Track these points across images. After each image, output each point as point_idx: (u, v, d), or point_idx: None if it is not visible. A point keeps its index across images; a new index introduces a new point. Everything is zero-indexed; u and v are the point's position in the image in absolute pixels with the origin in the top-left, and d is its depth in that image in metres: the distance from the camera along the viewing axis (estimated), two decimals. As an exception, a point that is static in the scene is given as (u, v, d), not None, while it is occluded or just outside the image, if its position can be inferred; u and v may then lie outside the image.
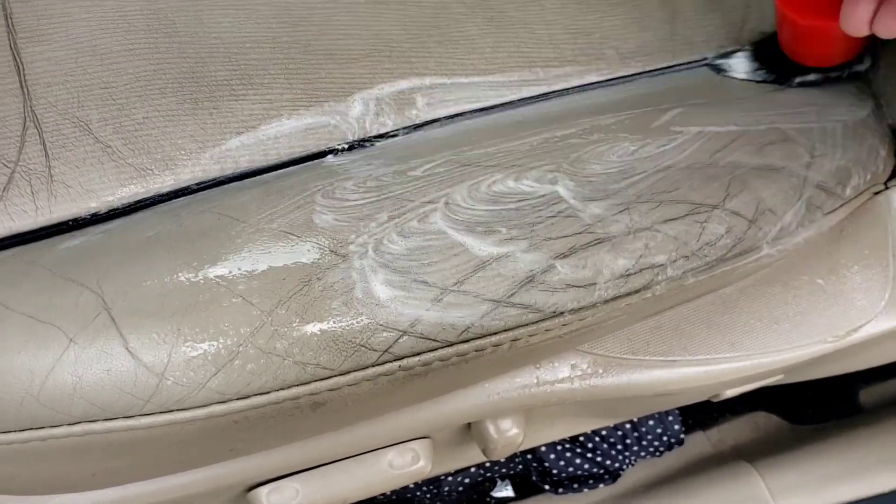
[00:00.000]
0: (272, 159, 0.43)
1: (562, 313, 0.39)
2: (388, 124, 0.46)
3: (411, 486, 0.71)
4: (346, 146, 0.44)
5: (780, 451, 0.70)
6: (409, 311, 0.36)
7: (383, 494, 0.71)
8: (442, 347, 0.37)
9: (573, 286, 0.39)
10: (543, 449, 0.69)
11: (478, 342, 0.38)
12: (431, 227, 0.38)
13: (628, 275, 0.40)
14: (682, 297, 0.46)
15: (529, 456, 0.70)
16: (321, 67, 0.46)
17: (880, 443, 0.68)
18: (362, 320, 0.35)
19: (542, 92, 0.50)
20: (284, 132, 0.44)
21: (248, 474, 0.48)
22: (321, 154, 0.44)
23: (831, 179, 0.47)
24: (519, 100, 0.49)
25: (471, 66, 0.49)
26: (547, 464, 0.69)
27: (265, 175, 0.43)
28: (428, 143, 0.44)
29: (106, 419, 0.34)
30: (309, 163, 0.43)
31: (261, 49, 0.45)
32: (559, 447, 0.70)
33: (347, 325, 0.35)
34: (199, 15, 0.45)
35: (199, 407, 0.34)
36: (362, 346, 0.35)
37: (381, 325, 0.35)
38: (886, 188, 0.52)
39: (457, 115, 0.48)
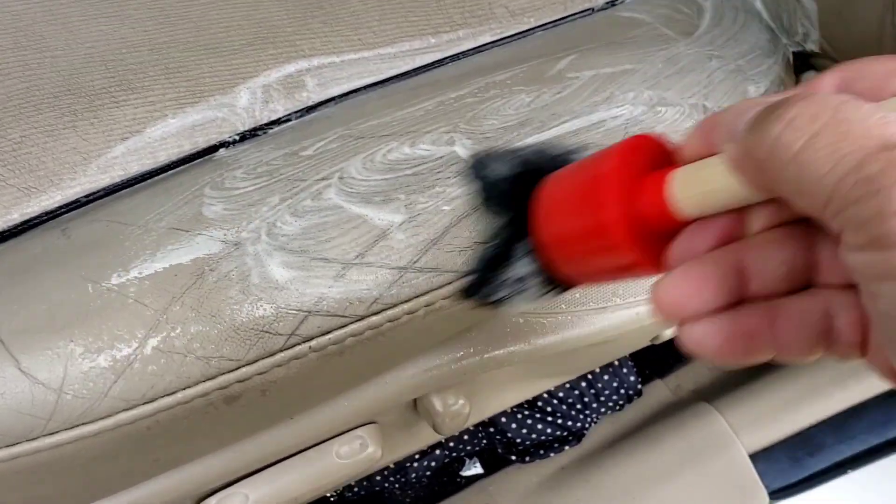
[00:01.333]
0: (162, 160, 0.42)
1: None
2: (279, 110, 0.45)
3: (378, 478, 0.70)
4: (237, 138, 0.43)
5: (737, 388, 0.70)
6: (312, 290, 0.35)
7: (353, 490, 0.70)
8: (352, 322, 0.36)
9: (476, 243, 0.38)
10: (504, 420, 0.69)
11: (389, 312, 0.37)
12: (326, 204, 0.37)
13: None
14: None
15: (491, 429, 0.70)
16: (203, 63, 0.45)
17: (831, 363, 0.68)
18: (262, 306, 0.34)
19: (435, 59, 0.49)
20: (171, 132, 0.42)
21: (193, 486, 0.46)
22: (212, 149, 0.43)
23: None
24: (413, 69, 0.49)
25: (359, 42, 0.48)
26: (510, 434, 0.69)
27: (157, 177, 0.41)
28: (321, 122, 0.44)
29: (9, 445, 0.33)
30: (200, 159, 0.42)
31: (138, 52, 0.44)
32: (519, 416, 0.69)
33: (248, 313, 0.34)
34: (69, 26, 0.44)
35: (105, 417, 0.33)
36: (265, 331, 0.34)
37: (283, 308, 0.35)
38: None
39: (350, 92, 0.47)
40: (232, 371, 0.34)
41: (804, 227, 0.24)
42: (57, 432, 0.33)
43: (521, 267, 0.33)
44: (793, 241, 0.24)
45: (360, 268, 0.36)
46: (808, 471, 0.66)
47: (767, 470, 0.66)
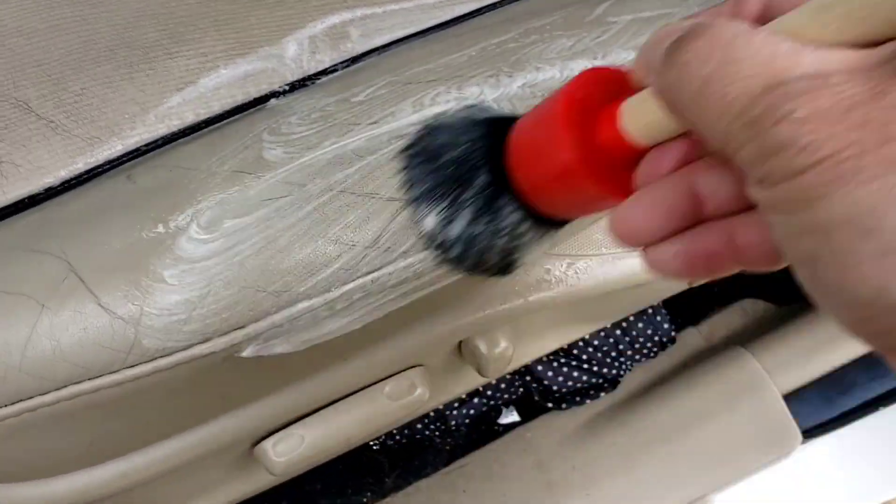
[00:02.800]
0: (216, 110, 0.43)
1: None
2: (326, 61, 0.46)
3: (419, 426, 0.72)
4: (287, 87, 0.44)
5: (770, 331, 0.72)
6: (372, 224, 0.36)
7: (395, 438, 0.72)
8: (408, 257, 0.37)
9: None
10: (540, 368, 0.70)
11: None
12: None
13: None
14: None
15: (528, 377, 0.72)
16: (250, 14, 0.46)
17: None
18: (328, 245, 0.36)
19: (475, 7, 0.50)
20: (224, 82, 0.44)
21: (250, 428, 0.48)
22: (264, 98, 0.44)
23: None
24: (453, 18, 0.49)
25: (400, -7, 0.49)
26: (546, 382, 0.70)
27: (212, 126, 0.43)
28: (368, 70, 0.45)
29: (91, 378, 0.35)
30: (253, 108, 0.44)
31: (187, 5, 0.45)
32: (555, 363, 0.71)
33: (312, 249, 0.35)
34: (120, -19, 0.45)
35: (181, 350, 0.35)
36: (326, 266, 0.36)
37: (346, 244, 0.36)
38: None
39: (393, 42, 0.48)
40: (301, 302, 0.36)
41: None
42: (136, 365, 0.35)
43: (509, 218, 0.34)
44: None
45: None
46: (841, 409, 0.67)
47: (800, 410, 0.67)
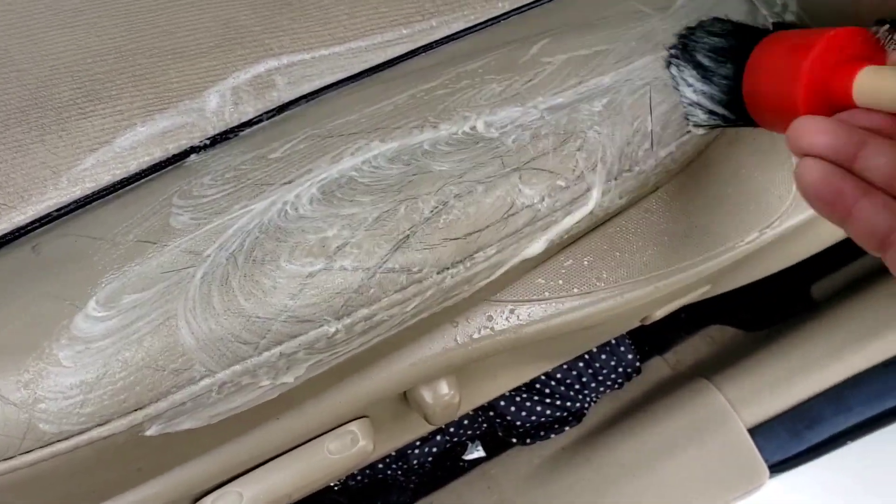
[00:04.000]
0: (133, 169, 0.42)
1: (441, 270, 0.38)
2: (250, 111, 0.45)
3: (380, 465, 0.71)
4: (208, 142, 0.43)
5: (735, 363, 0.70)
6: (276, 299, 0.35)
7: (356, 479, 0.71)
8: (320, 326, 0.36)
9: (449, 239, 0.38)
10: (503, 403, 0.69)
11: (362, 311, 0.37)
12: (296, 211, 0.37)
13: (507, 217, 0.39)
14: (581, 228, 0.46)
15: (491, 413, 0.70)
16: (170, 68, 0.44)
17: (829, 334, 0.68)
18: (228, 317, 0.34)
19: (408, 50, 0.49)
20: (141, 140, 0.42)
21: (187, 487, 0.47)
22: (184, 154, 0.43)
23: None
24: (385, 62, 0.48)
25: (329, 37, 0.47)
26: (509, 417, 0.69)
27: (128, 187, 0.41)
28: (291, 121, 0.43)
29: (-13, 464, 0.33)
30: (171, 166, 0.42)
31: (104, 61, 0.44)
32: (517, 398, 0.69)
33: (216, 324, 0.34)
34: (33, 38, 0.44)
35: (78, 434, 0.33)
36: (235, 341, 0.34)
37: (252, 317, 0.35)
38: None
39: (322, 88, 0.46)
40: (204, 379, 0.34)
41: None
42: (32, 451, 0.33)
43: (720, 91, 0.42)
44: None
45: (329, 272, 0.36)
46: (807, 443, 0.66)
47: (766, 444, 0.66)
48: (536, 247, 0.42)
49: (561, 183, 0.40)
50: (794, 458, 0.66)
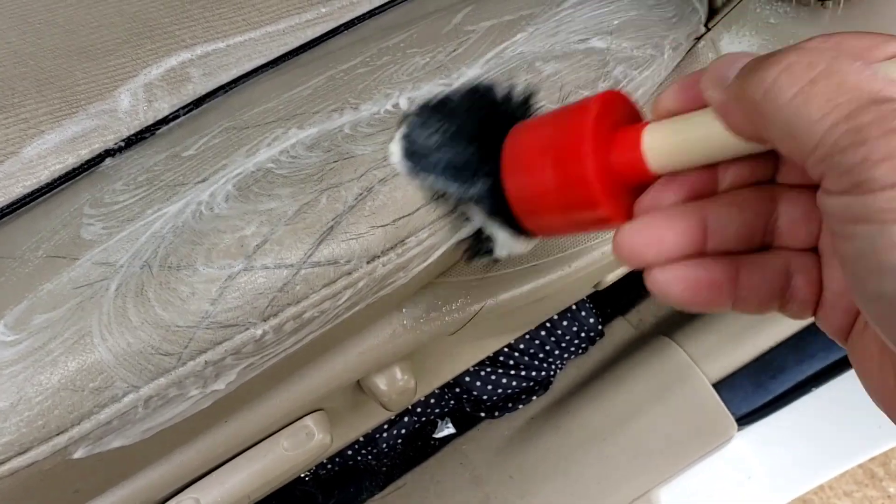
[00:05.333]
0: (45, 179, 0.40)
1: (372, 259, 0.37)
2: (165, 108, 0.43)
3: (349, 452, 0.70)
4: (122, 143, 0.41)
5: (694, 319, 0.70)
6: (195, 306, 0.34)
7: (326, 468, 0.70)
8: (245, 330, 0.35)
9: (376, 227, 0.37)
10: (468, 379, 0.68)
11: (290, 310, 0.36)
12: (211, 211, 0.36)
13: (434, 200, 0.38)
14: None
15: (457, 389, 0.69)
16: (76, 69, 0.42)
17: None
18: (146, 329, 0.33)
19: (329, 29, 0.47)
20: (50, 148, 0.40)
21: (141, 497, 0.46)
22: (98, 159, 0.41)
23: (641, 44, 0.44)
24: (305, 44, 0.46)
25: (243, 22, 0.45)
26: (475, 392, 0.68)
27: (40, 198, 0.40)
28: (208, 115, 0.42)
29: None
30: (85, 172, 0.40)
31: (2, 67, 0.42)
32: (482, 373, 0.68)
33: (134, 338, 0.33)
34: (-74, 48, 0.41)
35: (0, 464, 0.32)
36: (156, 354, 0.33)
37: (170, 327, 0.33)
38: (708, 30, 0.49)
39: (240, 77, 0.44)
40: (127, 395, 0.33)
41: (767, 192, 0.26)
42: (-47, 485, 0.32)
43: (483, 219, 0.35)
44: (755, 203, 0.26)
45: (250, 272, 0.35)
46: (772, 393, 0.66)
47: (732, 397, 0.66)
48: (472, 226, 0.41)
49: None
50: (760, 409, 0.66)
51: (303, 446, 0.49)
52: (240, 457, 0.48)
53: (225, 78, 0.44)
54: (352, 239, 0.36)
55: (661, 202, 0.27)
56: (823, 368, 0.65)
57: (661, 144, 0.26)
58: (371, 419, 0.57)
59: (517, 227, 0.33)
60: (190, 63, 0.44)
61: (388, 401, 0.51)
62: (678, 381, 0.65)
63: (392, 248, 0.38)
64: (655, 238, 0.26)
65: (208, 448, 0.45)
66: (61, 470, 0.34)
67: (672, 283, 0.26)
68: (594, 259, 0.48)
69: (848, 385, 0.64)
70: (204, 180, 0.37)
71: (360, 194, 0.37)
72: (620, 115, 0.29)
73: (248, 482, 0.49)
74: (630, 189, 0.28)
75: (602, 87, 0.42)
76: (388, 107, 0.40)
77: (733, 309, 0.26)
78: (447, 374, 0.58)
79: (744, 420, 0.66)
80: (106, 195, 0.37)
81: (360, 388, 0.53)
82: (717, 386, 0.65)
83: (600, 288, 0.55)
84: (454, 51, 0.43)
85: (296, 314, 0.36)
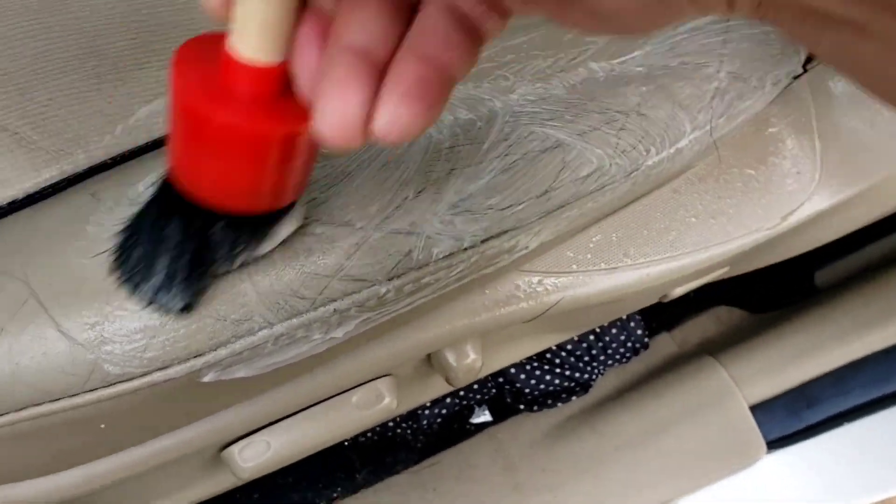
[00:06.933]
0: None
1: (487, 239, 0.40)
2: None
3: (390, 424, 0.73)
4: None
5: (740, 342, 0.72)
6: (333, 258, 0.36)
7: (366, 435, 0.73)
8: (373, 286, 0.38)
9: (495, 209, 0.39)
10: (513, 370, 0.71)
11: (413, 274, 0.38)
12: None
13: (549, 191, 0.41)
14: (611, 206, 0.47)
15: (501, 379, 0.72)
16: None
17: (834, 320, 0.70)
18: (288, 272, 0.36)
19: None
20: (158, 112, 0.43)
21: (218, 434, 0.49)
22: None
23: (747, 73, 0.47)
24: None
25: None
26: (518, 384, 0.71)
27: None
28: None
29: (51, 401, 0.35)
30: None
31: (159, 14, 0.44)
32: (528, 367, 0.71)
33: (278, 279, 0.35)
34: (90, -14, 0.44)
35: (140, 376, 0.35)
36: (293, 295, 0.36)
37: (309, 273, 0.36)
38: (805, 71, 0.52)
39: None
40: (262, 330, 0.36)
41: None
42: (95, 390, 0.35)
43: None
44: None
45: (382, 234, 0.37)
46: (806, 422, 0.68)
47: (766, 421, 0.68)
48: (568, 222, 0.44)
49: (605, 159, 0.42)
50: (791, 435, 0.68)
51: (371, 407, 0.52)
52: (313, 408, 0.51)
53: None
54: (476, 216, 0.39)
55: (318, 59, 0.24)
56: (859, 405, 0.67)
57: (250, 33, 0.24)
58: (431, 391, 0.60)
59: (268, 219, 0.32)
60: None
61: (455, 376, 0.54)
62: (717, 400, 0.68)
63: (505, 231, 0.40)
64: (352, 97, 0.23)
65: (290, 395, 0.48)
66: (184, 391, 0.37)
67: (400, 114, 0.23)
68: (672, 269, 0.51)
69: (881, 423, 0.66)
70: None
71: (492, 175, 0.39)
72: (208, 59, 0.26)
73: (315, 433, 0.51)
74: (276, 95, 0.25)
75: (712, 106, 0.45)
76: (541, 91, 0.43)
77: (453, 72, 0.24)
78: (506, 361, 0.61)
79: (774, 444, 0.69)
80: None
81: (428, 361, 0.56)
82: (753, 409, 0.68)
83: (665, 300, 0.57)
84: (573, 59, 0.45)
85: (416, 278, 0.39)
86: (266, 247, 0.34)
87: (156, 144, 0.42)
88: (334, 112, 0.23)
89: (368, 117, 0.23)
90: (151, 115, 0.42)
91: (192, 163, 0.28)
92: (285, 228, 0.34)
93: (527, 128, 0.41)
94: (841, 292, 0.72)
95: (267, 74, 0.24)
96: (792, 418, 0.68)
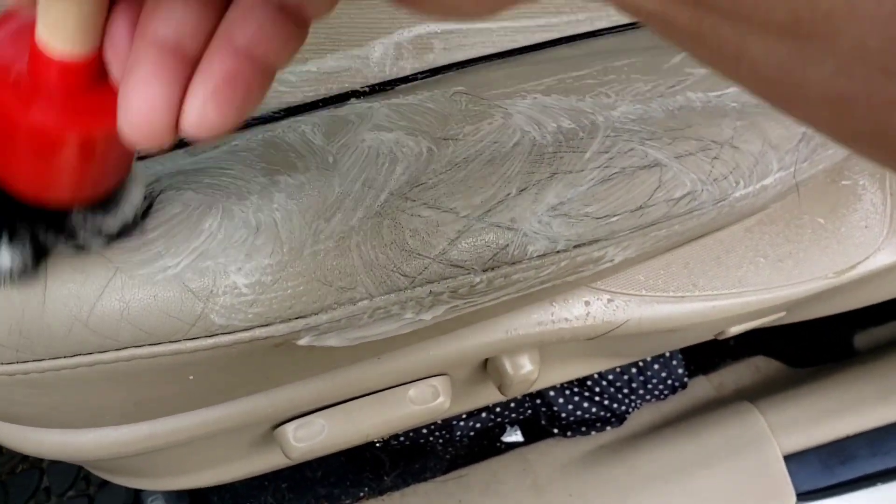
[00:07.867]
0: (298, 100, 0.44)
1: (579, 245, 0.41)
2: (407, 69, 0.47)
3: (424, 431, 0.73)
4: (367, 89, 0.46)
5: (779, 391, 0.73)
6: (437, 241, 0.38)
7: (398, 439, 0.73)
8: (469, 274, 0.39)
9: (591, 217, 0.41)
10: (552, 394, 0.71)
11: (506, 268, 0.40)
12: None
13: (643, 207, 0.42)
14: (693, 233, 0.48)
15: (539, 401, 0.73)
16: (343, 13, 0.47)
17: (875, 380, 0.71)
18: (393, 249, 0.37)
19: (552, 38, 0.51)
20: (307, 77, 0.45)
21: (274, 411, 0.49)
22: (345, 97, 0.45)
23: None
24: (531, 45, 0.51)
25: (485, 13, 0.50)
26: (556, 408, 0.71)
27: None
28: (442, 85, 0.46)
29: (152, 344, 0.36)
30: (333, 105, 0.45)
31: None
32: (567, 392, 0.72)
33: (382, 254, 0.37)
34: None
35: (242, 331, 0.36)
36: (395, 272, 0.37)
37: (413, 252, 0.37)
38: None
39: (472, 59, 0.49)
40: (362, 301, 0.37)
41: None
42: (197, 338, 0.36)
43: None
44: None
45: (483, 225, 0.39)
46: (838, 478, 0.69)
47: (799, 472, 0.69)
48: (654, 241, 0.45)
49: (698, 184, 0.43)
50: (822, 490, 0.69)
51: (426, 402, 0.53)
52: (370, 396, 0.52)
53: (461, 56, 0.49)
54: (569, 222, 0.40)
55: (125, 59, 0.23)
56: (894, 467, 0.68)
57: (53, 32, 0.22)
58: (481, 398, 0.60)
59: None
60: (435, 35, 0.48)
61: (508, 384, 0.55)
62: (752, 445, 0.69)
63: (597, 240, 0.42)
64: (154, 92, 0.22)
65: (352, 379, 0.49)
66: (276, 352, 0.38)
67: (207, 111, 0.22)
68: (736, 305, 0.52)
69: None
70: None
71: (592, 183, 0.41)
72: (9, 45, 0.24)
73: (370, 422, 0.52)
74: (90, 87, 0.24)
75: (798, 149, 0.46)
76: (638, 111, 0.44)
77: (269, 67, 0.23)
78: (556, 379, 0.61)
79: (804, 496, 0.69)
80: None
81: (483, 367, 0.57)
82: (787, 458, 0.69)
83: (720, 338, 0.58)
84: (672, 86, 0.47)
85: (507, 273, 0.40)
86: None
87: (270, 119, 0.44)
88: (138, 110, 0.22)
89: (178, 115, 0.22)
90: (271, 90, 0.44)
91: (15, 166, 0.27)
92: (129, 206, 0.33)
93: (627, 144, 0.42)
94: (881, 355, 0.73)
95: (76, 68, 0.23)
96: (825, 472, 0.68)
